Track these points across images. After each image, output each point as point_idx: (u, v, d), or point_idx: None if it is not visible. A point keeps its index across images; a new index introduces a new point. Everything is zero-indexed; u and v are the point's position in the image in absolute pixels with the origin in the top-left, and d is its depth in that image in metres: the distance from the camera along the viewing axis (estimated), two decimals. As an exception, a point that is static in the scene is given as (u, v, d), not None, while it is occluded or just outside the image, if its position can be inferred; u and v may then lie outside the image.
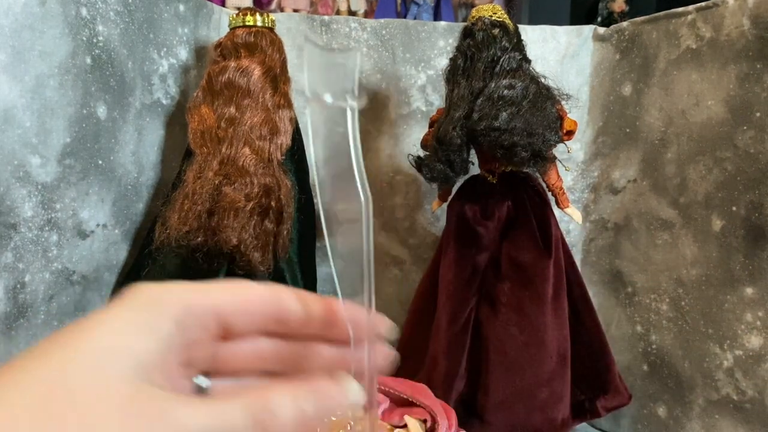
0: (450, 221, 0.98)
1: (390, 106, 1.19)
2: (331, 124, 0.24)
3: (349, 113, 0.24)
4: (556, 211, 0.98)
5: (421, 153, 0.95)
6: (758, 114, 0.86)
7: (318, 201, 0.24)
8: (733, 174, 0.90)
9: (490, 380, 0.91)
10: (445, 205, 1.03)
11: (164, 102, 1.01)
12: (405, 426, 0.73)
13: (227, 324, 0.24)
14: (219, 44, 0.97)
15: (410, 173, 1.19)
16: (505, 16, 0.93)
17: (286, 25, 1.14)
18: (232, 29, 0.97)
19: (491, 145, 0.86)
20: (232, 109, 0.89)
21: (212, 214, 0.86)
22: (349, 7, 2.61)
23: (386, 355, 0.26)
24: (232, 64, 0.91)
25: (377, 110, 1.19)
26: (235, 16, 0.97)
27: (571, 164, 1.10)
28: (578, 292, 0.98)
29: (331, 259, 0.24)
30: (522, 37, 0.93)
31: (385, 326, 0.26)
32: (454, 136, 0.87)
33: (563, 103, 0.91)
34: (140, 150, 0.95)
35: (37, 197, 0.74)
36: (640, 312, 1.07)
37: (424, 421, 0.75)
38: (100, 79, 0.83)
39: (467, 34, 0.92)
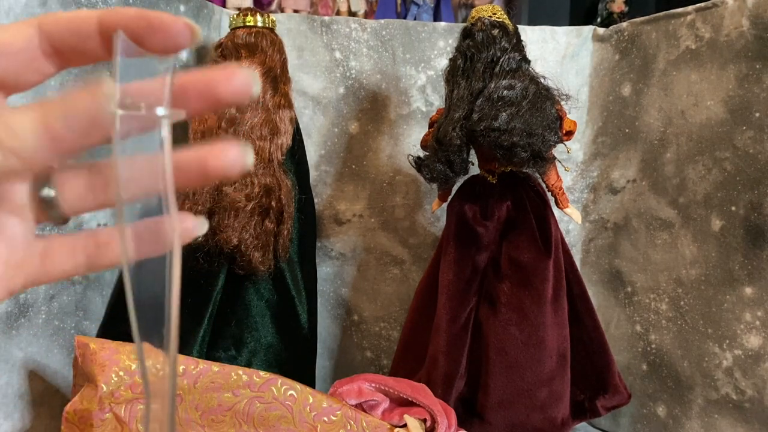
0: (450, 221, 0.98)
1: (390, 106, 1.20)
2: (142, 135, 0.21)
3: (163, 125, 0.21)
4: (556, 211, 0.98)
5: (421, 153, 0.96)
6: (757, 114, 0.87)
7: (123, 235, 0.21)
8: (733, 174, 0.90)
9: (490, 380, 0.91)
10: (445, 205, 1.03)
11: (165, 102, 1.02)
12: (405, 425, 0.74)
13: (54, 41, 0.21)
14: (219, 45, 0.97)
15: (410, 173, 1.19)
16: (505, 16, 0.93)
17: (287, 25, 1.14)
18: (233, 30, 0.97)
19: (491, 145, 0.86)
20: (233, 110, 0.90)
21: (213, 214, 0.86)
22: (349, 7, 2.61)
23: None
24: (233, 64, 0.92)
25: (377, 110, 1.20)
26: (235, 16, 0.97)
27: (570, 164, 1.10)
28: (578, 291, 0.98)
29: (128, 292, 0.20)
30: (522, 38, 0.93)
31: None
32: (454, 137, 0.87)
33: (563, 103, 0.91)
34: (141, 150, 0.96)
35: (39, 197, 0.74)
36: (639, 312, 1.07)
37: (424, 421, 0.75)
38: (101, 79, 0.83)
39: (467, 34, 0.92)
